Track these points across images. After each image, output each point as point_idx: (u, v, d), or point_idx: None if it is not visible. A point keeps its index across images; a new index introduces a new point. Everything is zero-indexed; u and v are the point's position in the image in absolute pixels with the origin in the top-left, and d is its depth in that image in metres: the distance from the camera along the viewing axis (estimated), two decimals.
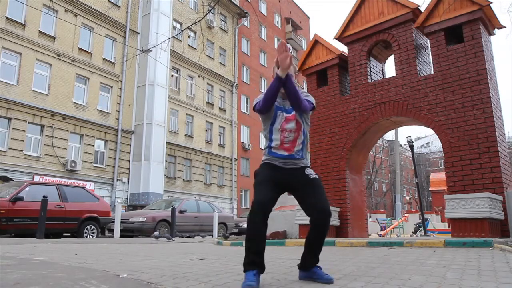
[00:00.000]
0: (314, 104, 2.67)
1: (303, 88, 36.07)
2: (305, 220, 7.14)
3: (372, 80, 7.41)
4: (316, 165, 7.67)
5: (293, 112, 2.56)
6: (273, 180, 2.48)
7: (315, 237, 2.46)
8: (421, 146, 67.38)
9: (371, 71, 7.55)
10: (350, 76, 7.64)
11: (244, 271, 2.31)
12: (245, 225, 15.18)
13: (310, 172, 2.56)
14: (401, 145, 47.20)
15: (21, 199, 8.48)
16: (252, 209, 2.33)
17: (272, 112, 2.57)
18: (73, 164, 17.85)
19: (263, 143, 32.72)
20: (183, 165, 24.20)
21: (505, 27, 6.49)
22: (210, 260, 3.85)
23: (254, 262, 2.28)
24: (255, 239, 2.33)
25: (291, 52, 2.45)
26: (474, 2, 6.00)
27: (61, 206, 9.14)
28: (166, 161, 22.06)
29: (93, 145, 19.36)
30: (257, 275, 2.25)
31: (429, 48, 6.85)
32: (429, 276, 2.51)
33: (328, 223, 2.44)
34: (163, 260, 3.91)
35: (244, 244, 2.36)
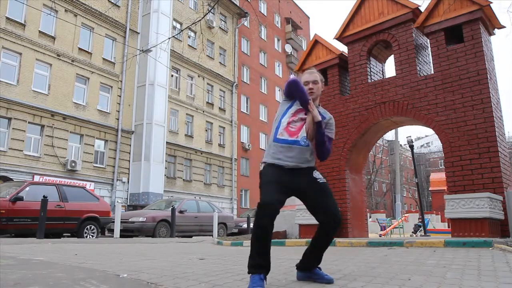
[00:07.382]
0: (333, 137, 2.70)
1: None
2: (305, 220, 7.14)
3: (372, 80, 7.41)
4: (316, 165, 7.67)
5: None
6: (280, 181, 2.36)
7: (323, 241, 2.45)
8: (421, 146, 67.37)
9: (371, 71, 7.55)
10: (350, 76, 7.64)
11: (249, 273, 2.24)
12: (244, 225, 15.21)
13: (319, 176, 2.51)
14: (401, 145, 47.21)
15: (21, 199, 8.48)
16: (258, 211, 2.23)
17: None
18: (73, 164, 17.85)
19: (263, 143, 32.51)
20: (183, 165, 24.21)
21: (505, 27, 6.49)
22: (210, 260, 3.85)
23: (260, 265, 2.23)
24: (261, 242, 2.25)
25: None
26: (474, 2, 6.00)
27: (61, 206, 9.14)
28: (166, 161, 22.07)
29: (93, 145, 19.35)
30: (264, 279, 2.21)
31: (429, 48, 6.85)
32: (429, 276, 2.51)
33: (337, 229, 2.44)
34: (163, 260, 3.91)
35: (250, 246, 2.30)
